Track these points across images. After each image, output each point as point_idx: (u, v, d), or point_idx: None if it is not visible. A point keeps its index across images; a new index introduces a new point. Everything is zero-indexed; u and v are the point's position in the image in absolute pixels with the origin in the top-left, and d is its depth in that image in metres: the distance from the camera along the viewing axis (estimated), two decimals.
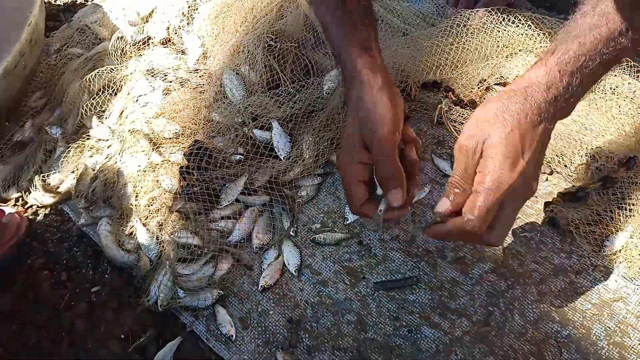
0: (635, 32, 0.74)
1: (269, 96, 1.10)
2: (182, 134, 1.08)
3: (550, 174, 1.04)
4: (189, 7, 1.23)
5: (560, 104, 0.75)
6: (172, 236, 0.98)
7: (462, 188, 0.77)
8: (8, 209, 1.09)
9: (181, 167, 1.02)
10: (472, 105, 1.10)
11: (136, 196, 1.04)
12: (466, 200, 0.75)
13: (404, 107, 0.86)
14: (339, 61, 0.89)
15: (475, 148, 0.75)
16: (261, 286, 0.96)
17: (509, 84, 1.09)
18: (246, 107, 1.07)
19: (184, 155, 1.02)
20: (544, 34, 1.15)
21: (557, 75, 0.75)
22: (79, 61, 1.29)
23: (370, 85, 0.84)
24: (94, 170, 1.11)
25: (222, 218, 1.01)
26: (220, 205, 1.02)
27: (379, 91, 0.83)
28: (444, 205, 0.78)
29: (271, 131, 1.06)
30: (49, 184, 1.12)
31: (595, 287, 0.92)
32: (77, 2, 1.53)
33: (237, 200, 1.03)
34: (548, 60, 0.76)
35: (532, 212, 1.00)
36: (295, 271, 0.97)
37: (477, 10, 1.20)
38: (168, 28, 1.21)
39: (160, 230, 1.00)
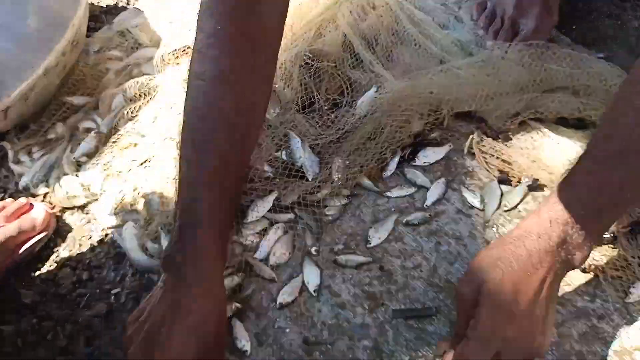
0: None
1: (303, 114, 1.10)
2: None
3: None
4: None
5: (560, 252, 0.76)
6: None
7: (461, 333, 0.78)
8: (37, 204, 1.11)
9: None
10: (505, 138, 1.10)
11: (162, 203, 1.05)
12: None
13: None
14: (183, 224, 0.82)
15: (472, 294, 0.76)
16: (279, 303, 0.96)
17: (543, 121, 1.10)
18: (281, 124, 1.07)
19: None
20: (582, 72, 1.14)
21: (548, 225, 0.76)
22: (119, 66, 1.31)
23: (219, 297, 0.82)
24: (119, 174, 1.13)
25: (247, 233, 1.02)
26: (247, 219, 1.02)
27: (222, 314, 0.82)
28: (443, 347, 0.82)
29: (301, 151, 1.07)
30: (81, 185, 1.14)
31: (617, 334, 0.90)
32: (119, 5, 1.55)
33: (263, 216, 1.03)
34: (541, 211, 0.78)
35: None
36: (314, 291, 0.96)
37: (517, 44, 1.20)
38: None
39: None
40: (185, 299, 0.79)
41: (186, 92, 0.87)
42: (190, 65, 0.87)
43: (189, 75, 0.88)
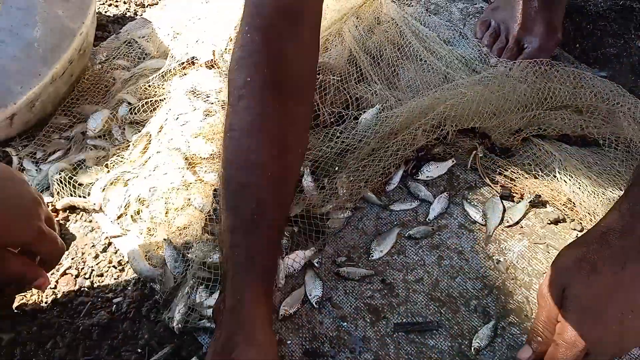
0: None
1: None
2: (218, 155, 1.10)
3: (581, 231, 1.03)
4: (236, 32, 1.26)
5: None
6: (198, 257, 0.99)
7: (544, 336, 0.77)
8: None
9: (215, 190, 1.03)
10: (508, 153, 1.11)
11: (166, 213, 1.06)
12: (547, 349, 0.75)
13: None
14: (224, 272, 0.83)
15: (556, 296, 0.75)
16: (281, 315, 0.96)
17: (546, 138, 1.10)
18: None
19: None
20: (585, 91, 1.15)
21: (630, 220, 0.74)
22: (125, 76, 1.32)
23: (263, 353, 0.78)
24: (125, 183, 1.13)
25: None
26: None
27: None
28: (526, 352, 0.78)
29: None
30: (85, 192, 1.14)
31: None
32: (127, 15, 1.56)
33: None
34: (621, 205, 0.76)
35: None
36: (316, 303, 0.96)
37: (521, 62, 1.21)
38: (214, 52, 1.23)
39: (187, 249, 1.01)
40: (228, 347, 0.77)
41: (222, 147, 0.90)
42: (225, 121, 0.90)
43: (224, 131, 0.90)
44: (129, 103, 1.25)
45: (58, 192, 1.14)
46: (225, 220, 0.86)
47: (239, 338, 0.78)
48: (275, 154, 0.87)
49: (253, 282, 0.82)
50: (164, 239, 1.02)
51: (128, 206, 1.09)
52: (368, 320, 0.95)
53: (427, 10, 1.40)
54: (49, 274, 0.99)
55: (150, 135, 1.16)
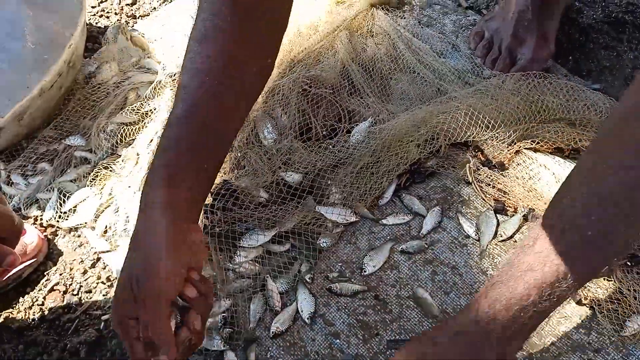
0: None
1: (300, 140, 1.10)
2: None
3: None
4: None
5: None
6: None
7: None
8: (31, 228, 1.09)
9: (206, 205, 1.01)
10: (501, 167, 1.10)
11: None
12: None
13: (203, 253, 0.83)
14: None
15: None
16: (272, 332, 0.94)
17: (540, 151, 1.10)
18: (277, 150, 1.07)
19: (211, 193, 1.02)
20: (578, 103, 1.14)
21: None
22: (115, 88, 1.30)
23: (154, 219, 0.77)
24: (112, 198, 1.12)
25: (241, 261, 1.01)
26: (242, 243, 1.00)
27: (166, 225, 0.76)
28: None
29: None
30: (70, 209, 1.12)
31: None
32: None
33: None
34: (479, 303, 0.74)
35: None
36: (308, 319, 0.95)
37: (514, 74, 1.20)
38: None
39: None
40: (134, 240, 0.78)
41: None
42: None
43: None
44: (121, 116, 1.23)
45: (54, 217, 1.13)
46: (169, 116, 0.85)
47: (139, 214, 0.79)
48: (219, 65, 0.86)
49: (163, 171, 0.80)
50: None
51: (117, 222, 1.07)
52: (361, 337, 0.93)
53: (419, 22, 1.40)
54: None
55: (138, 151, 1.15)
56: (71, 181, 1.18)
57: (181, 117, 0.83)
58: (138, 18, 1.57)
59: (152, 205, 0.78)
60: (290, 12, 0.94)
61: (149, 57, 1.38)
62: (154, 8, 1.60)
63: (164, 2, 1.61)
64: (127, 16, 1.58)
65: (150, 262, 0.74)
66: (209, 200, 1.02)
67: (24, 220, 1.14)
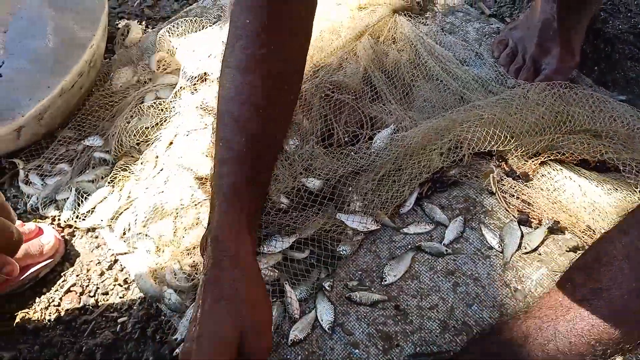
0: None
1: (321, 146, 1.09)
2: None
3: None
4: None
5: None
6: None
7: None
8: (48, 229, 1.09)
9: None
10: (525, 178, 1.08)
11: (175, 232, 1.03)
12: None
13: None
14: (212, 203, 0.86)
15: None
16: (291, 340, 0.93)
17: (565, 162, 1.08)
18: (299, 156, 1.06)
19: None
20: (604, 115, 1.12)
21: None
22: (134, 89, 1.30)
23: (250, 276, 0.82)
24: (131, 200, 1.11)
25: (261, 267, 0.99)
26: (262, 249, 0.99)
27: (261, 287, 0.83)
28: None
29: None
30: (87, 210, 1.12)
31: None
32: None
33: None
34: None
35: None
36: (328, 328, 0.93)
37: (538, 84, 1.18)
38: None
39: (194, 270, 0.99)
40: (214, 273, 0.79)
41: (219, 81, 0.93)
42: (223, 57, 0.93)
43: (221, 65, 0.93)
44: (140, 118, 1.22)
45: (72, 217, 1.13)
46: (217, 153, 0.88)
47: (225, 263, 0.80)
48: (268, 92, 0.90)
49: (237, 213, 0.85)
50: (172, 260, 1.00)
51: (135, 224, 1.07)
52: (380, 348, 0.92)
53: (442, 29, 1.39)
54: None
55: (158, 153, 1.14)
56: (89, 181, 1.17)
57: (240, 152, 0.87)
58: (157, 20, 1.57)
59: (239, 255, 0.81)
60: (314, 18, 0.97)
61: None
62: (174, 10, 1.60)
63: (184, 5, 1.61)
64: (147, 18, 1.58)
65: (257, 317, 0.78)
66: None
67: (41, 220, 1.14)
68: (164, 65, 1.35)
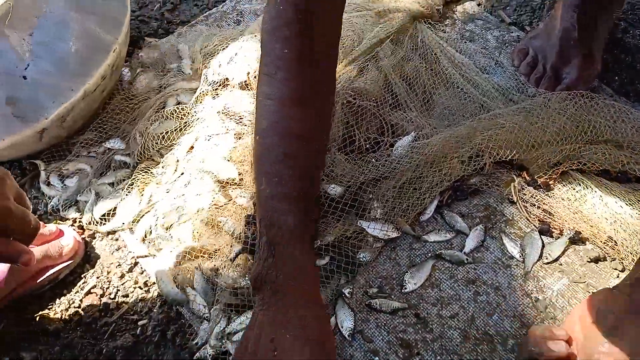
0: None
1: (343, 152, 1.09)
2: (248, 178, 1.08)
3: (622, 271, 0.99)
4: None
5: None
6: (227, 283, 0.96)
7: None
8: (68, 230, 1.09)
9: (248, 216, 1.00)
10: (546, 187, 1.08)
11: (196, 235, 1.03)
12: None
13: None
14: (272, 239, 0.87)
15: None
16: None
17: (586, 172, 1.07)
18: None
19: (254, 203, 1.01)
20: (626, 125, 1.12)
21: None
22: (155, 93, 1.31)
23: (321, 315, 0.87)
24: (152, 203, 1.11)
25: None
26: None
27: (329, 326, 0.90)
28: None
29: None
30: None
31: None
32: (159, 32, 1.56)
33: None
34: None
35: None
36: (348, 335, 0.93)
37: (559, 93, 1.18)
38: (248, 73, 1.22)
39: (215, 274, 0.99)
40: (293, 312, 0.83)
41: (256, 111, 0.93)
42: (258, 86, 0.94)
43: (257, 96, 0.94)
44: (161, 122, 1.23)
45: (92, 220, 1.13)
46: (267, 187, 0.89)
47: (300, 301, 0.85)
48: (315, 126, 0.93)
49: (306, 250, 0.90)
50: (194, 264, 1.00)
51: (156, 227, 1.07)
52: (400, 356, 0.92)
53: (462, 37, 1.39)
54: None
55: (178, 157, 1.15)
56: (109, 184, 1.18)
57: (300, 191, 0.90)
58: (178, 24, 1.58)
59: (312, 295, 0.89)
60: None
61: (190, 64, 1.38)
62: (194, 15, 1.61)
63: (203, 9, 1.62)
64: (167, 22, 1.59)
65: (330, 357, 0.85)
66: (251, 210, 1.01)
67: (61, 222, 1.15)
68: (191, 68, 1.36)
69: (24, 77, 1.10)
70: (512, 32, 1.40)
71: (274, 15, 0.91)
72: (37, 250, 1.03)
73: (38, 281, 1.04)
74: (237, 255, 1.00)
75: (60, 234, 1.09)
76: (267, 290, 0.86)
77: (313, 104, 0.92)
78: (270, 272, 0.85)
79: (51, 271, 1.05)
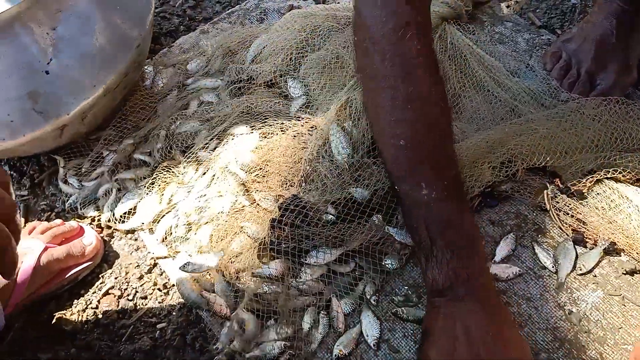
0: None
1: (371, 156, 1.06)
2: (272, 179, 1.05)
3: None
4: (297, 52, 1.21)
5: None
6: (249, 288, 0.94)
7: None
8: (89, 229, 1.07)
9: (273, 219, 0.97)
10: (580, 195, 1.04)
11: (218, 238, 1.01)
12: None
13: None
14: (449, 244, 0.84)
15: None
16: (335, 355, 0.90)
17: (621, 181, 1.04)
18: (350, 166, 1.03)
19: (279, 207, 0.98)
20: None
21: None
22: (176, 90, 1.28)
23: (503, 313, 0.84)
24: (173, 204, 1.09)
25: (306, 278, 0.96)
26: (307, 260, 0.96)
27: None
28: None
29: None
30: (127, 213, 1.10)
31: None
32: (180, 29, 1.54)
33: None
34: None
35: None
36: (374, 344, 0.90)
37: (593, 99, 1.14)
38: (274, 72, 1.19)
39: (237, 278, 0.96)
40: (498, 312, 0.83)
41: (401, 116, 0.88)
42: (382, 129, 0.91)
43: (383, 136, 0.91)
44: (182, 120, 1.21)
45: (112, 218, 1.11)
46: (430, 191, 0.86)
47: (501, 310, 0.84)
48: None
49: (483, 253, 0.88)
50: (215, 268, 0.97)
51: (177, 227, 1.05)
52: None
53: (491, 39, 1.35)
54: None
55: (200, 157, 1.13)
56: (130, 179, 1.15)
57: (459, 199, 0.89)
58: (200, 21, 1.56)
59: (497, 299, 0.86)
60: None
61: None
62: (216, 12, 1.59)
63: (226, 6, 1.59)
64: (189, 19, 1.57)
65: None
66: (276, 214, 0.98)
67: (79, 220, 1.13)
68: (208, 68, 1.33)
69: (47, 72, 1.07)
70: (543, 35, 1.37)
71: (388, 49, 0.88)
72: (59, 249, 1.01)
73: (63, 278, 1.02)
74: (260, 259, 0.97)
75: (82, 232, 1.07)
76: (457, 294, 0.83)
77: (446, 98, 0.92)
78: (457, 275, 0.83)
79: (73, 271, 1.03)
